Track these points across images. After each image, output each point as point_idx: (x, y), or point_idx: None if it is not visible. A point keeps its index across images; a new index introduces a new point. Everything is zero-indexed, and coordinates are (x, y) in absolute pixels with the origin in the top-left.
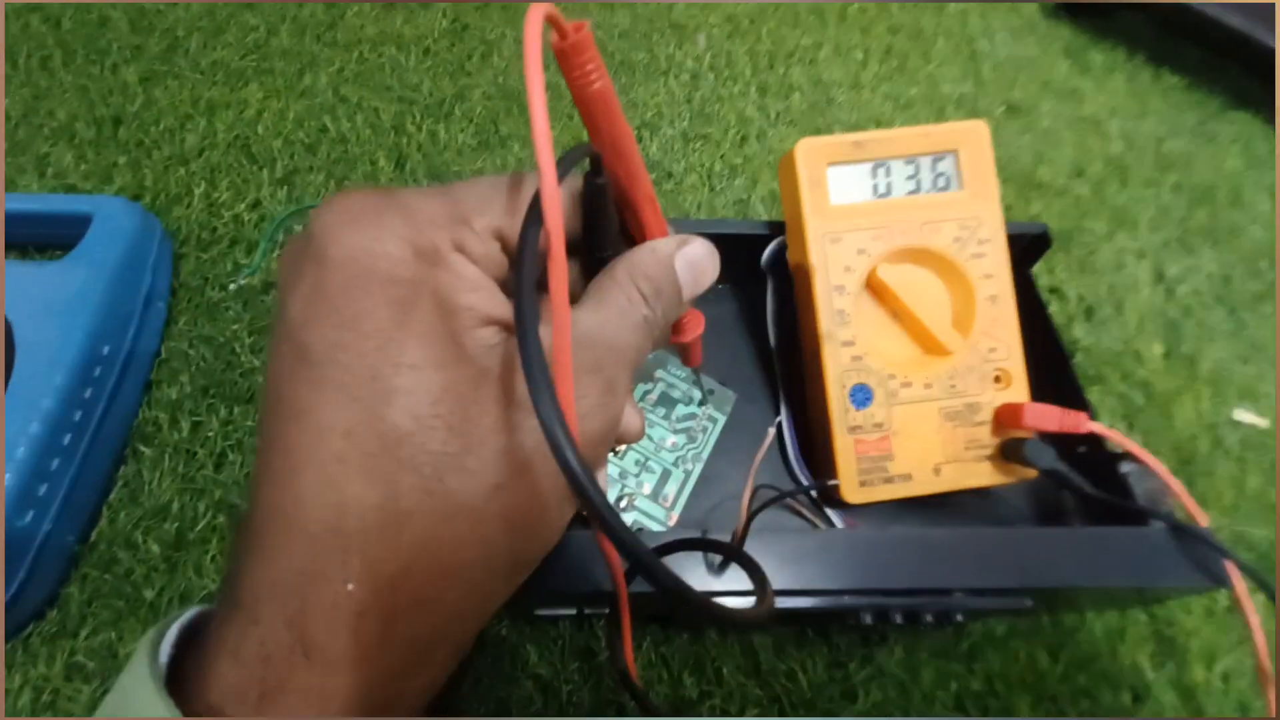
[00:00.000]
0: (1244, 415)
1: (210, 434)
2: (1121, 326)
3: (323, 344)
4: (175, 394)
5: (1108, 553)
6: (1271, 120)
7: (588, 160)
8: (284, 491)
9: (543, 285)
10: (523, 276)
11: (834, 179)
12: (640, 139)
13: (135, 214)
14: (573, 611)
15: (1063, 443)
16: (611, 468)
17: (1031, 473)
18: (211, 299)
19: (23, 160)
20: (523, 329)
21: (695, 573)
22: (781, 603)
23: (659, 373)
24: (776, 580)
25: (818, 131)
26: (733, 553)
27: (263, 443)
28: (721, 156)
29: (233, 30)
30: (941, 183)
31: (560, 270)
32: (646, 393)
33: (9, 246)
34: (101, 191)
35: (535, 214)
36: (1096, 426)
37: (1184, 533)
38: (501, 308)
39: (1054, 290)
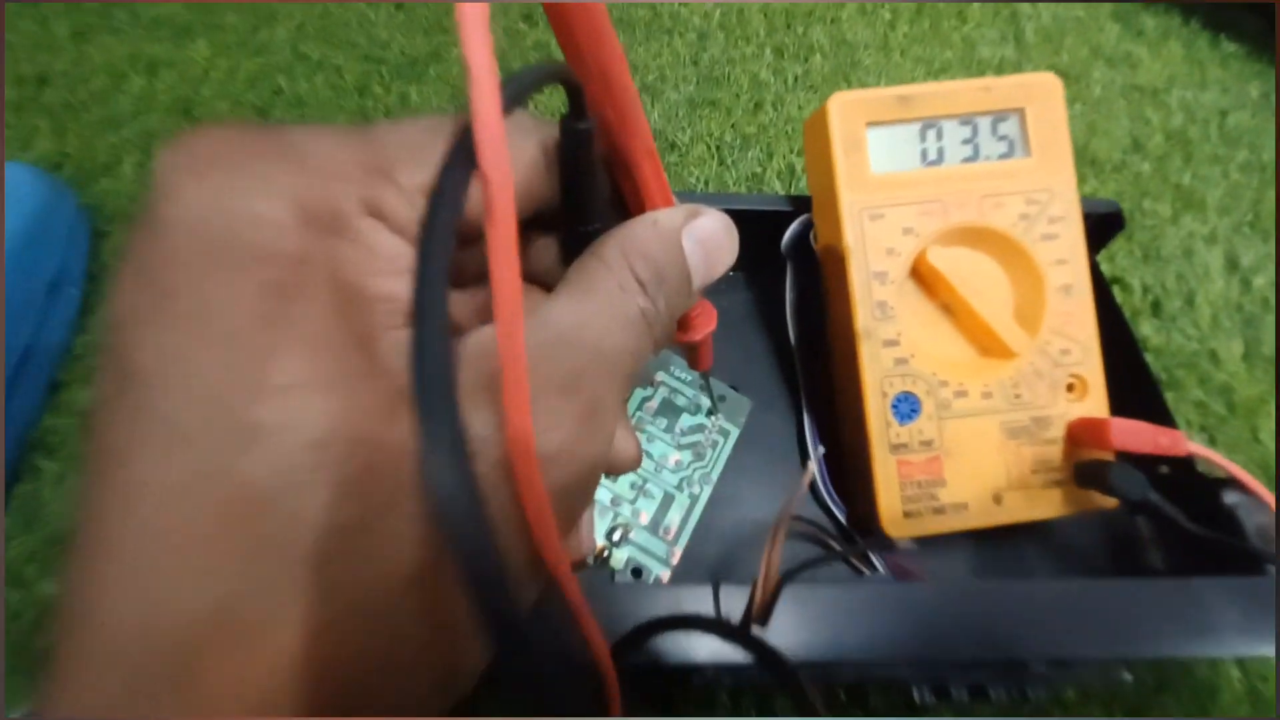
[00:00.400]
0: None
1: None
2: (1194, 323)
3: (151, 354)
4: (87, 398)
5: (1225, 610)
6: None
7: (566, 100)
8: (89, 585)
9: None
10: (432, 238)
11: (875, 142)
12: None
13: (40, 183)
14: None
15: (1138, 463)
16: (602, 492)
17: (1110, 502)
18: None
19: None
20: (420, 322)
21: (701, 640)
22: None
23: (660, 375)
24: (808, 648)
25: None
26: (752, 645)
27: (78, 504)
28: (733, 125)
29: None
30: (1004, 148)
31: (506, 236)
32: (645, 400)
33: None
34: (18, 159)
35: (464, 149)
36: (1197, 448)
37: None
38: None
39: (1116, 280)
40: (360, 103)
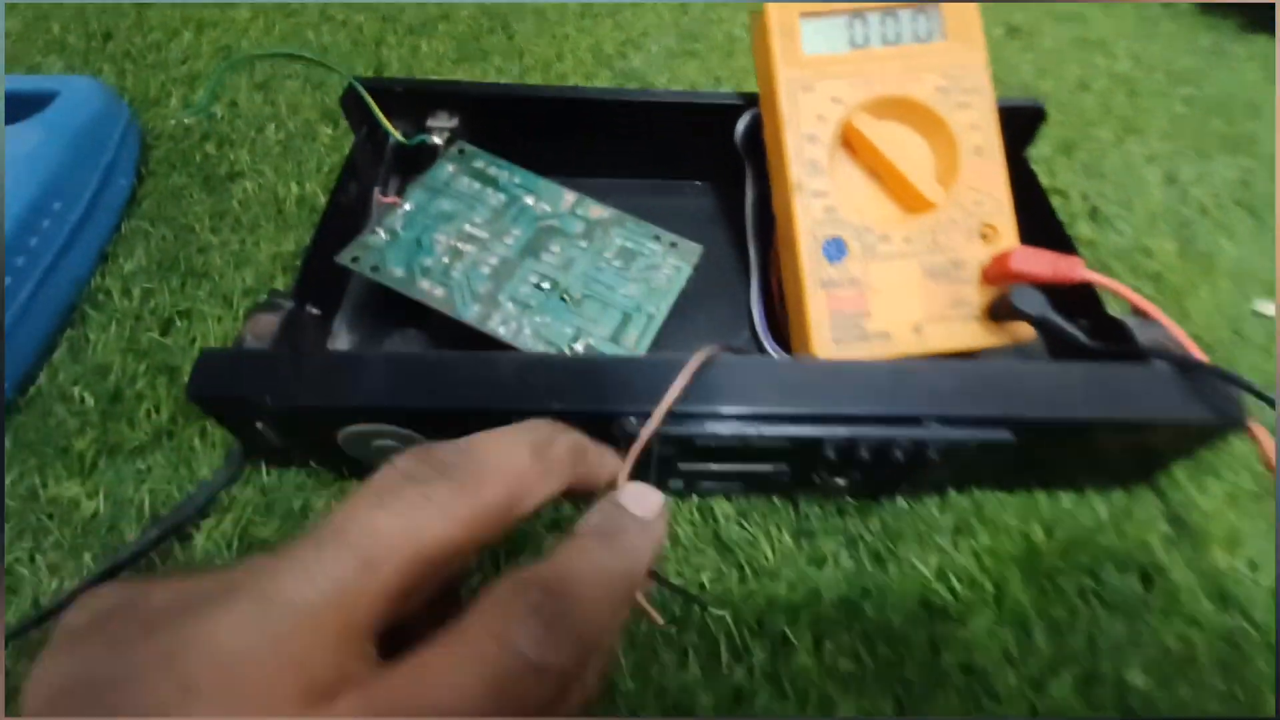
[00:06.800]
0: (1266, 307)
1: (160, 302)
2: (1130, 225)
3: None
4: (130, 267)
5: (1103, 386)
6: None
7: None
8: None
9: None
10: None
11: (807, 30)
12: (625, 55)
13: (100, 93)
14: None
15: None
16: (568, 314)
17: (1028, 333)
18: (177, 184)
19: (14, 69)
20: None
21: None
22: (727, 429)
23: (615, 231)
24: (729, 407)
25: None
26: None
27: None
28: (707, 69)
29: None
30: (924, 33)
31: None
32: (603, 251)
33: None
34: None
35: None
36: (1092, 275)
37: (1191, 368)
38: None
39: (1057, 191)
40: (376, 51)
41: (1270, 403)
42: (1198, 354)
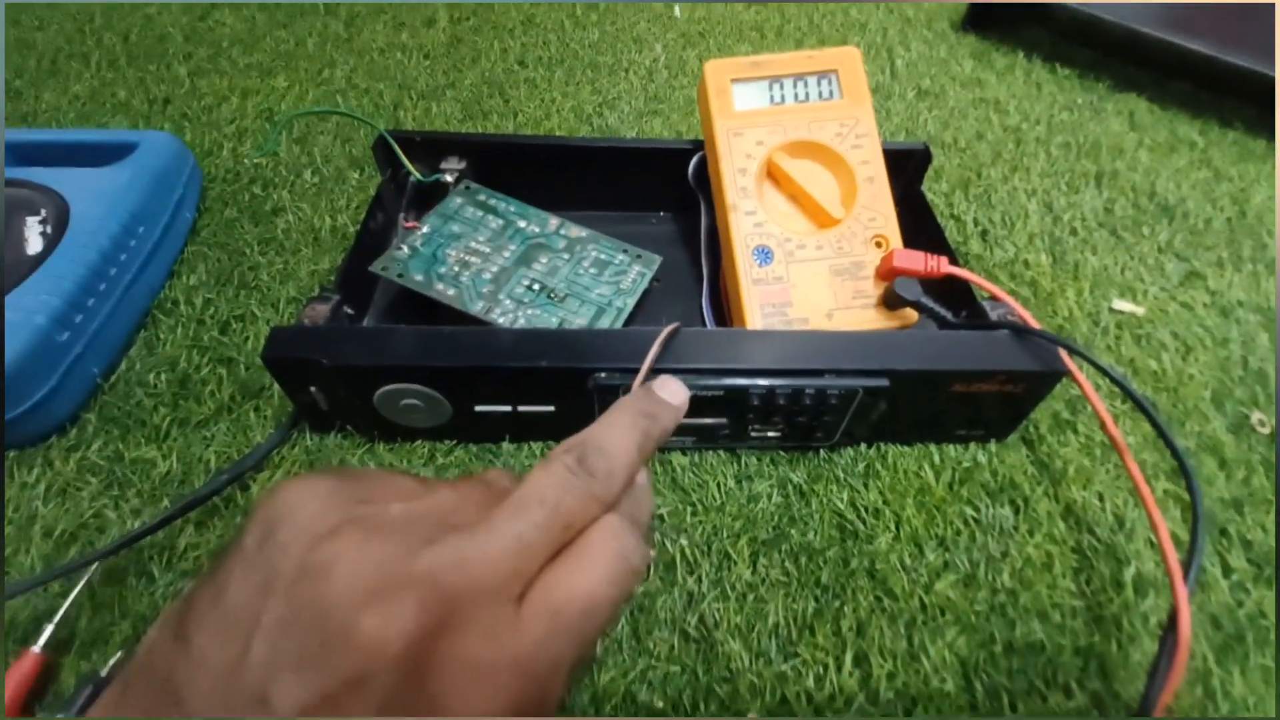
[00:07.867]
0: (1122, 304)
1: (219, 309)
2: (1013, 243)
3: None
4: (193, 281)
5: (957, 346)
6: (1155, 99)
7: None
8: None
9: None
10: None
11: (737, 91)
12: (601, 114)
13: (173, 143)
14: (508, 409)
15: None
16: (553, 308)
17: (912, 317)
18: (230, 217)
19: (85, 126)
20: None
21: None
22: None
23: (591, 246)
24: (682, 364)
25: None
26: None
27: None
28: (670, 125)
29: (268, 41)
30: (826, 93)
31: None
32: (581, 261)
33: (81, 165)
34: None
35: None
36: (956, 269)
37: (1024, 333)
38: None
39: (954, 217)
40: (394, 114)
41: (1085, 357)
42: (1033, 324)
